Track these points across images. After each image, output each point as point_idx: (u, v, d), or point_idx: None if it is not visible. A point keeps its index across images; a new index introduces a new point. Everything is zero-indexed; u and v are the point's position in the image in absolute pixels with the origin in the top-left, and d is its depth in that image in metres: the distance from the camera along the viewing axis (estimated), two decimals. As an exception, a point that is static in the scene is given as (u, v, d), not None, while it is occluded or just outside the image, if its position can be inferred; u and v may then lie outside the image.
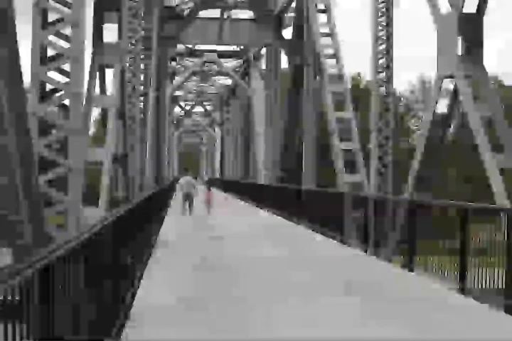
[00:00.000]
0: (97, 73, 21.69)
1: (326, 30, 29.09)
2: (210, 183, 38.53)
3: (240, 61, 55.28)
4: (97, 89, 22.04)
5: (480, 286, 8.39)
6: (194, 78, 64.13)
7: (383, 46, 30.00)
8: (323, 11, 29.60)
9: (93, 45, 20.81)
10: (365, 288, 9.02)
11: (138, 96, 28.83)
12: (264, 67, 45.60)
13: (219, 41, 41.87)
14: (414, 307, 7.76)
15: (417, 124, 70.95)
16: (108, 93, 22.48)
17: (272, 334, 6.45)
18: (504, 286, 7.88)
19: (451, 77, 20.29)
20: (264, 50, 45.34)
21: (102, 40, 20.88)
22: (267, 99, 41.75)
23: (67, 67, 13.65)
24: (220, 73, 57.87)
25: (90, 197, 19.36)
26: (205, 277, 9.92)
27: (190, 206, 24.12)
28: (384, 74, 30.16)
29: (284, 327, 6.69)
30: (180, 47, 50.01)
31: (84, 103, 17.45)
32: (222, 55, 53.56)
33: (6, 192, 10.37)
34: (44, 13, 13.61)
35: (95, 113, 40.47)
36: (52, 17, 13.76)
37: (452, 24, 19.57)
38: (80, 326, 4.65)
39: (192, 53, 52.69)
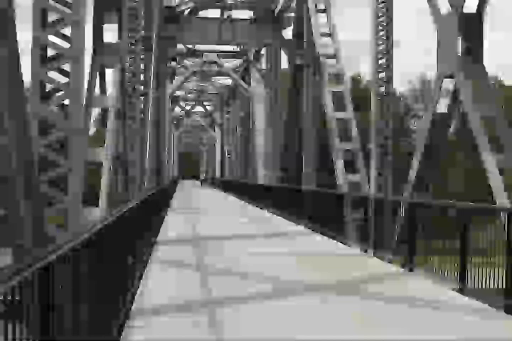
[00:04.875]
0: (97, 73, 21.71)
1: (326, 30, 29.09)
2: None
3: (240, 61, 55.25)
4: (97, 89, 22.07)
5: (480, 286, 8.38)
6: (194, 78, 64.09)
7: (383, 46, 30.02)
8: (323, 11, 29.61)
9: (93, 45, 20.83)
10: (365, 288, 9.02)
11: (138, 96, 28.83)
12: (264, 67, 45.59)
13: (219, 41, 41.82)
14: (413, 307, 7.76)
15: (417, 124, 70.96)
16: (108, 93, 22.50)
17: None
18: (504, 286, 7.88)
19: (451, 77, 20.31)
20: (264, 50, 45.32)
21: (102, 40, 20.91)
22: (267, 99, 41.75)
23: (67, 67, 13.64)
24: (220, 73, 57.83)
25: (90, 197, 19.37)
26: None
27: None
28: (384, 74, 30.18)
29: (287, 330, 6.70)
30: (180, 47, 49.97)
31: (84, 103, 17.46)
32: (222, 55, 53.53)
33: (6, 192, 10.37)
34: (44, 13, 13.61)
35: (95, 113, 40.50)
36: (52, 17, 13.75)
37: (452, 24, 19.59)
38: (80, 326, 4.65)
39: (192, 53, 52.66)
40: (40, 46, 13.51)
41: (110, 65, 21.61)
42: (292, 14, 36.62)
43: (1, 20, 10.16)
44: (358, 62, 65.37)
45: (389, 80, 30.15)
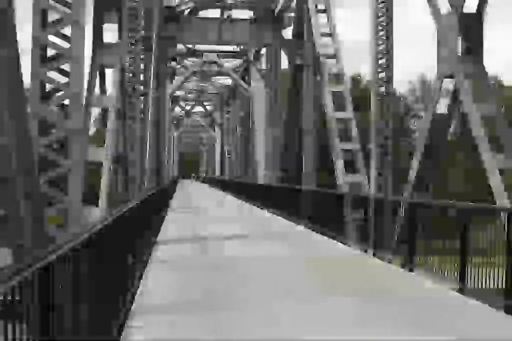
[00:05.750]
0: (97, 73, 21.73)
1: (326, 30, 29.10)
2: None
3: (240, 61, 55.28)
4: (97, 89, 22.10)
5: (480, 286, 8.38)
6: (194, 78, 64.13)
7: (383, 46, 30.04)
8: (323, 11, 29.62)
9: (93, 45, 20.85)
10: (365, 288, 9.01)
11: (138, 96, 28.84)
12: (264, 67, 45.61)
13: (219, 41, 41.86)
14: (414, 307, 7.76)
15: (417, 124, 70.97)
16: (108, 93, 22.52)
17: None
18: (504, 286, 7.88)
19: (451, 76, 20.33)
20: (264, 50, 45.34)
21: (102, 40, 20.94)
22: (267, 99, 41.77)
23: (67, 67, 13.66)
24: (220, 73, 57.87)
25: (90, 197, 19.38)
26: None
27: None
28: (384, 74, 30.20)
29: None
30: (180, 47, 50.00)
31: (84, 103, 17.47)
32: (222, 55, 53.56)
33: (6, 192, 10.38)
34: (44, 13, 13.62)
35: (95, 113, 40.53)
36: (52, 17, 13.77)
37: (452, 24, 19.60)
38: (80, 326, 4.66)
39: (192, 53, 52.69)
40: (40, 46, 13.52)
41: (110, 65, 21.63)
42: (292, 14, 36.64)
43: (1, 20, 10.17)
44: (358, 62, 65.47)
45: (389, 80, 30.17)
